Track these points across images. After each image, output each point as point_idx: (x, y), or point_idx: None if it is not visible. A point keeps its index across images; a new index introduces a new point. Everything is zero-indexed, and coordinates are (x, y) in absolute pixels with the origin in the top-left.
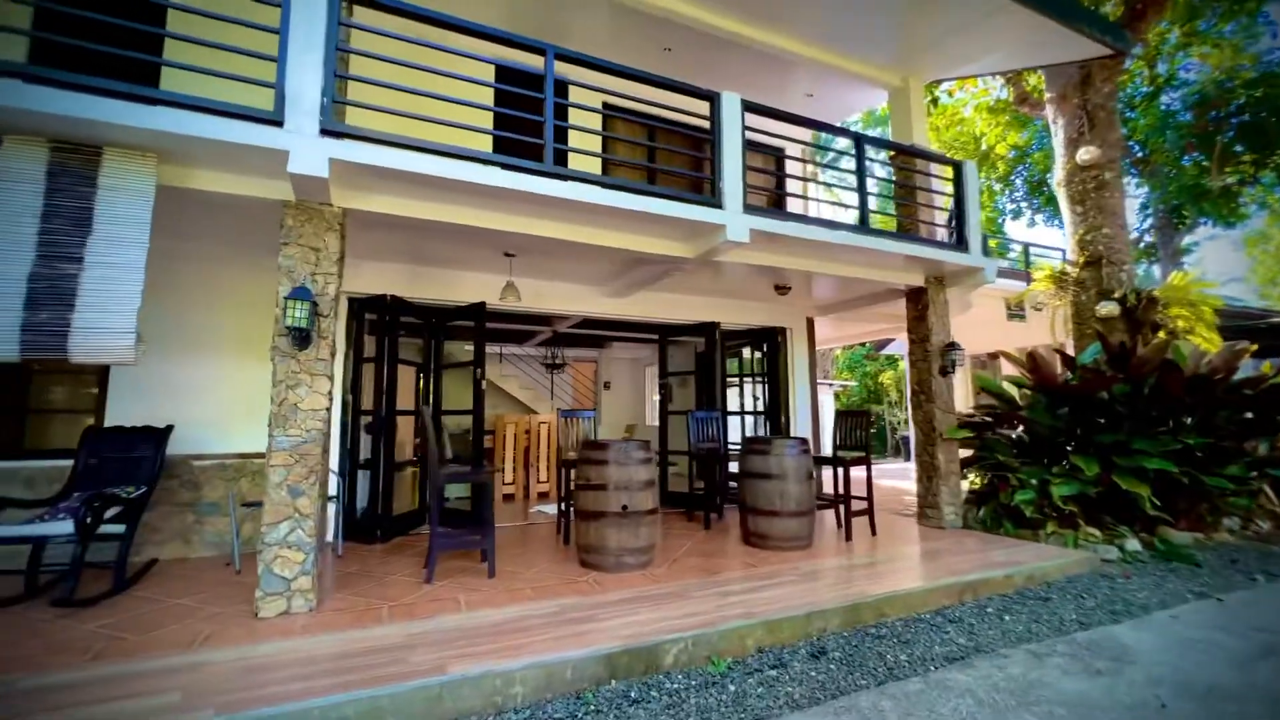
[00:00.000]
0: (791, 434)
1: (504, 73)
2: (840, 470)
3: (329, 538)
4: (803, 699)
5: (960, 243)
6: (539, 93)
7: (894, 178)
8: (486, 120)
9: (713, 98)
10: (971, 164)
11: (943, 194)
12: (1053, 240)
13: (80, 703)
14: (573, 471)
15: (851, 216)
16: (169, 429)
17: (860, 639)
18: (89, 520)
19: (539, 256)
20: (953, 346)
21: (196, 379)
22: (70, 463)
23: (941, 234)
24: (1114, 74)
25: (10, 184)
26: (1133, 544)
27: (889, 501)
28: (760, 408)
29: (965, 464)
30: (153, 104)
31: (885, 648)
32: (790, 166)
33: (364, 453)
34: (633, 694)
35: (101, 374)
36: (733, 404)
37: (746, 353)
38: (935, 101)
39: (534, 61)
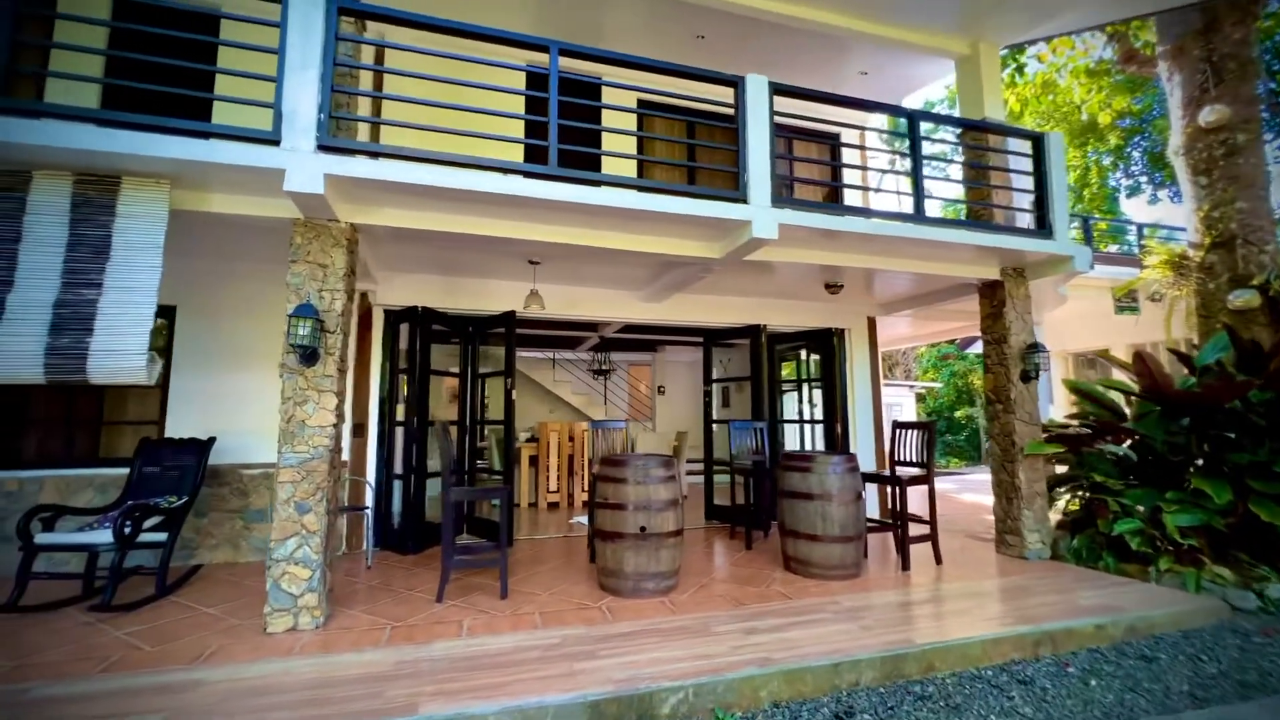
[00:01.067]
0: (851, 445)
1: (537, 79)
2: (896, 489)
3: (364, 548)
4: None
5: (1042, 228)
6: (573, 97)
7: (965, 159)
8: (516, 127)
9: (737, 82)
10: (1056, 136)
11: (1022, 173)
12: (1178, 219)
13: (70, 718)
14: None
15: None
16: (211, 441)
17: (899, 698)
18: (127, 530)
19: (565, 262)
20: (1035, 348)
21: (245, 391)
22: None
23: (1027, 220)
24: (1249, 16)
25: (40, 216)
26: (1277, 589)
27: (968, 521)
28: (819, 416)
29: (1057, 483)
30: (165, 133)
31: (927, 713)
32: (851, 154)
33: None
34: None
35: (163, 388)
36: (791, 411)
37: (803, 356)
38: (1021, 69)
39: (569, 66)
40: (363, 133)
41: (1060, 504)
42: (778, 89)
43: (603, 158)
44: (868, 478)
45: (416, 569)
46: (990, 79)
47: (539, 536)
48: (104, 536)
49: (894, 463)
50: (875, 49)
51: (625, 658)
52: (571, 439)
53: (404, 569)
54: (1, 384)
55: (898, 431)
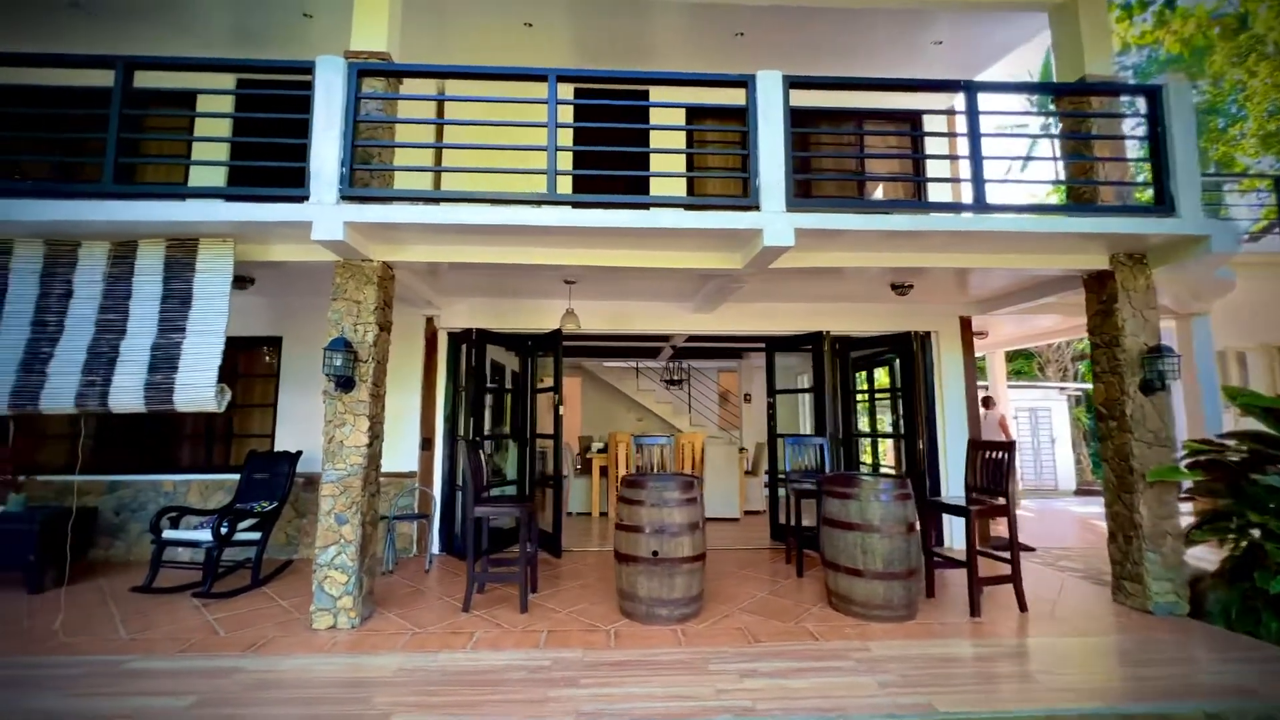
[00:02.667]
0: (940, 465)
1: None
2: (967, 521)
3: (431, 553)
4: None
5: (1162, 203)
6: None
7: (1061, 130)
8: (537, 158)
9: (746, 82)
10: (1177, 85)
11: (1137, 138)
12: None
13: (135, 692)
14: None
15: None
16: (298, 454)
17: None
18: (223, 531)
19: (606, 279)
20: (1160, 352)
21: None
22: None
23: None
24: None
25: (143, 276)
26: None
27: (1091, 556)
28: (901, 430)
29: (1204, 521)
30: (227, 199)
31: None
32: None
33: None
34: None
35: (273, 406)
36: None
37: (881, 364)
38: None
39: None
40: (409, 180)
41: (1203, 547)
42: (796, 82)
43: (632, 173)
44: (938, 506)
45: (464, 578)
46: (1094, 25)
47: (594, 549)
48: (206, 535)
49: (969, 489)
50: (948, 14)
51: (603, 689)
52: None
53: (455, 575)
54: (115, 413)
55: (975, 452)
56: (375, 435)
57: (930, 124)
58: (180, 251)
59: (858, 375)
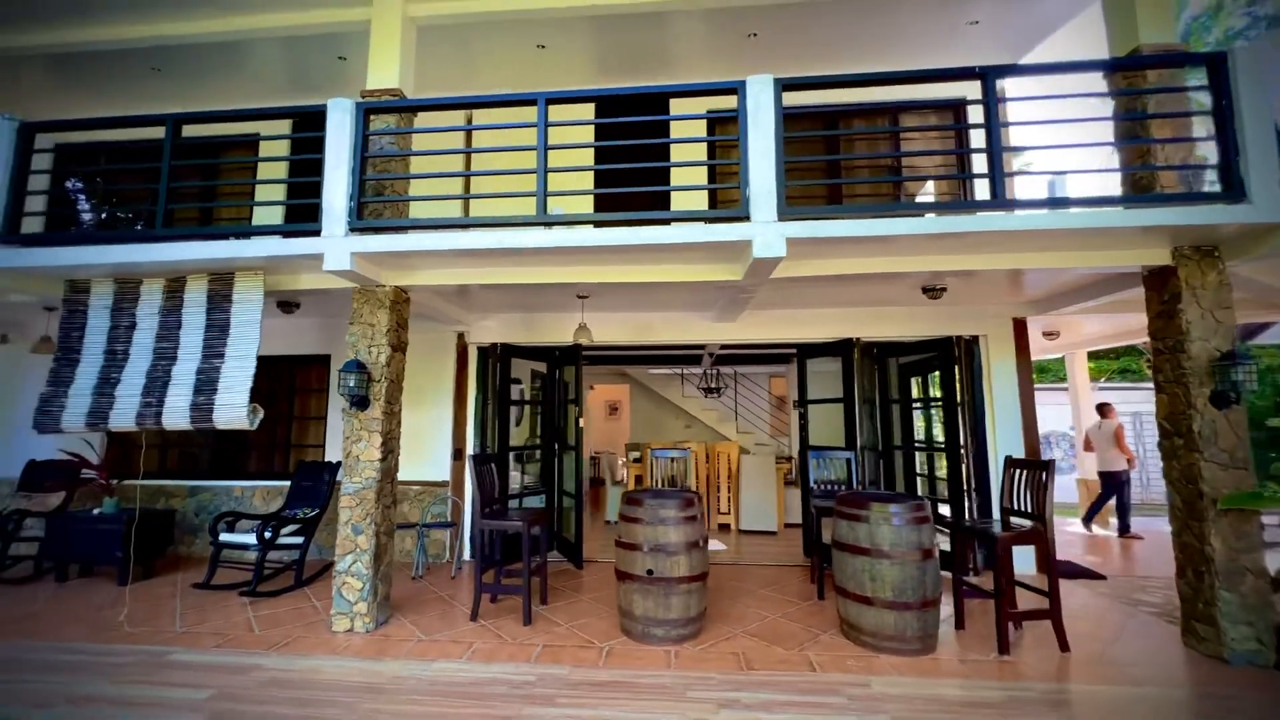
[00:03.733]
0: (991, 481)
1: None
2: (991, 546)
3: (461, 559)
4: None
5: (1230, 188)
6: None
7: (1114, 111)
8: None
9: (737, 88)
10: (1248, 51)
11: (1200, 114)
12: None
13: (167, 683)
14: None
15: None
16: (339, 463)
17: None
18: (267, 535)
19: (618, 294)
20: (1234, 359)
21: None
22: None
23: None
24: None
25: (191, 308)
26: None
27: (1168, 589)
28: (943, 442)
29: None
30: (257, 235)
31: None
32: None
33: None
34: None
35: (324, 419)
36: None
37: (924, 371)
38: None
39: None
40: (423, 208)
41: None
42: (790, 84)
43: (634, 189)
44: (960, 529)
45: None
46: None
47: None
48: (253, 539)
49: (1004, 512)
50: None
51: (577, 710)
52: (674, 459)
53: (472, 585)
54: (166, 430)
55: (1010, 470)
56: (389, 450)
57: (975, 114)
58: (220, 284)
59: (912, 382)
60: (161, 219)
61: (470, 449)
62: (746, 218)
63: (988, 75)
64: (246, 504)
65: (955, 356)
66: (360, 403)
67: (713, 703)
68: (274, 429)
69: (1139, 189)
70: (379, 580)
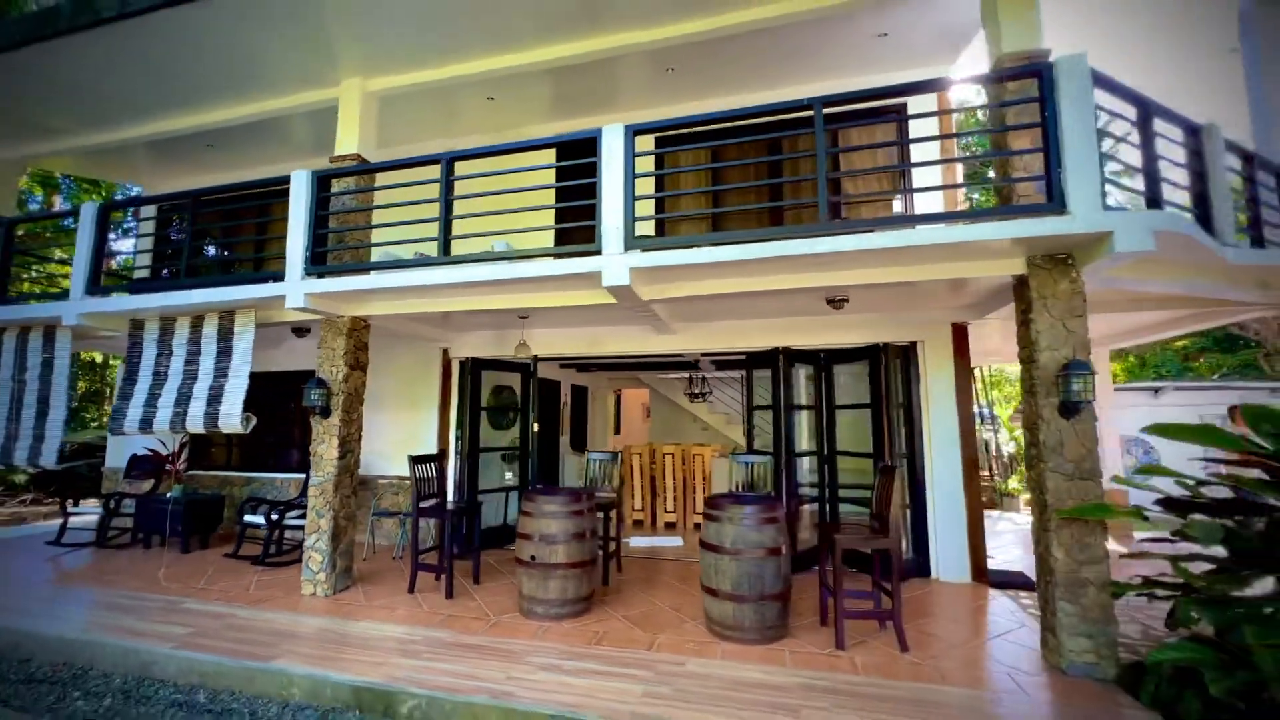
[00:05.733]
0: (927, 490)
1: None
2: (831, 546)
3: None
4: None
5: (1052, 199)
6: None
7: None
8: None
9: (594, 136)
10: (1073, 62)
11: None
12: None
13: (167, 621)
14: None
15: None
16: None
17: None
18: (274, 517)
19: (560, 314)
20: (1074, 369)
21: (382, 424)
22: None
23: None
24: None
25: (208, 339)
26: None
27: None
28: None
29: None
30: (248, 284)
31: None
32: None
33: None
34: None
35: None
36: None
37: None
38: None
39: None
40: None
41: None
42: (642, 130)
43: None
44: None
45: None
46: None
47: None
48: (261, 519)
49: (872, 516)
50: (867, 9)
51: (428, 662)
52: (653, 461)
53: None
54: (189, 432)
55: (877, 476)
56: (347, 450)
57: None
58: (226, 320)
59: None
60: (184, 272)
61: (453, 449)
62: (598, 252)
63: (816, 104)
64: (285, 492)
65: (883, 363)
66: (323, 411)
67: (537, 666)
68: (307, 431)
69: (1004, 200)
70: (338, 555)
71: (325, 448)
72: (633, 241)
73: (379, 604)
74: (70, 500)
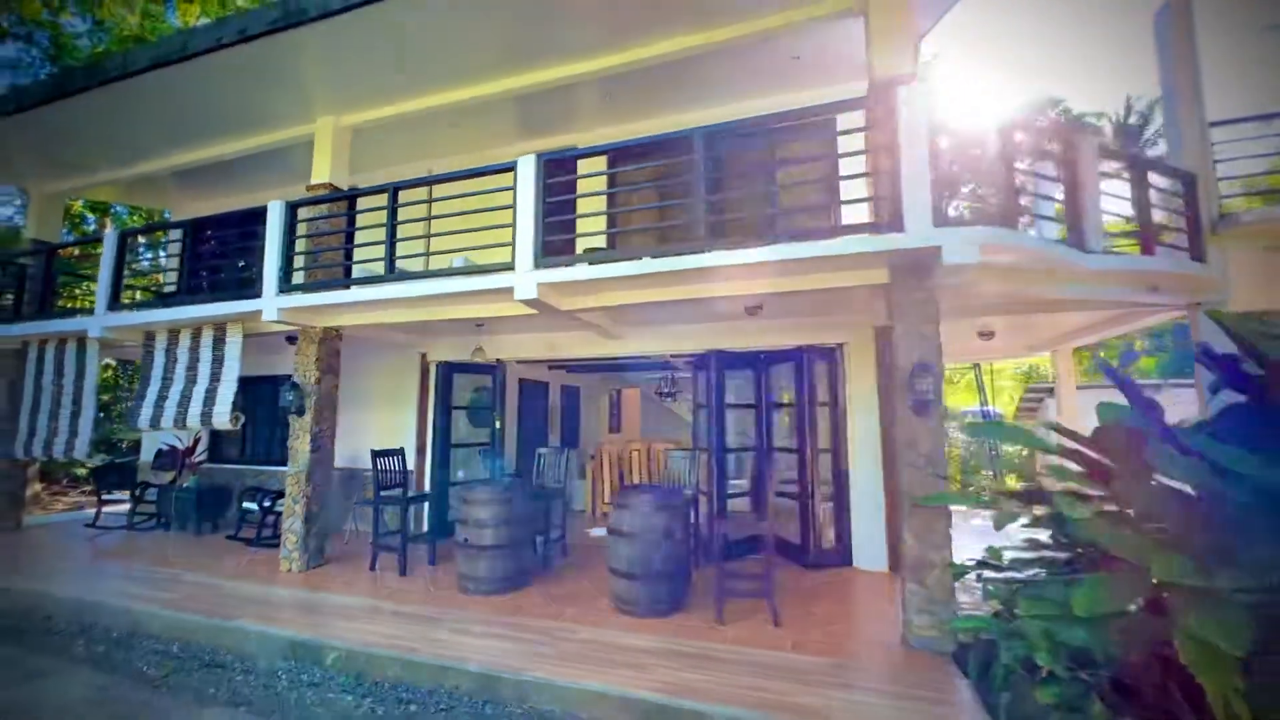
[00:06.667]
0: (851, 487)
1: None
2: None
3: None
4: None
5: (894, 217)
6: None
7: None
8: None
9: (511, 167)
10: (912, 89)
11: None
12: None
13: (166, 589)
14: None
15: None
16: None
17: (474, 708)
18: (265, 504)
19: (516, 321)
20: (919, 371)
21: (367, 422)
22: None
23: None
24: None
25: (204, 347)
26: None
27: None
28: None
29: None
30: (234, 300)
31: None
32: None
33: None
34: (287, 674)
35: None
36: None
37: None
38: None
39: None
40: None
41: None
42: (554, 158)
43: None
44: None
45: (420, 547)
46: (886, 17)
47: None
48: (254, 507)
49: (759, 501)
50: (786, 34)
51: (361, 625)
52: (621, 457)
53: (414, 548)
54: (190, 429)
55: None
56: (319, 445)
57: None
58: (219, 331)
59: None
60: (184, 290)
61: (430, 445)
62: (512, 268)
63: (693, 137)
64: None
65: (805, 365)
66: (299, 411)
67: (453, 630)
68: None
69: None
70: (310, 537)
71: (300, 442)
72: (541, 260)
73: (341, 579)
74: (107, 489)
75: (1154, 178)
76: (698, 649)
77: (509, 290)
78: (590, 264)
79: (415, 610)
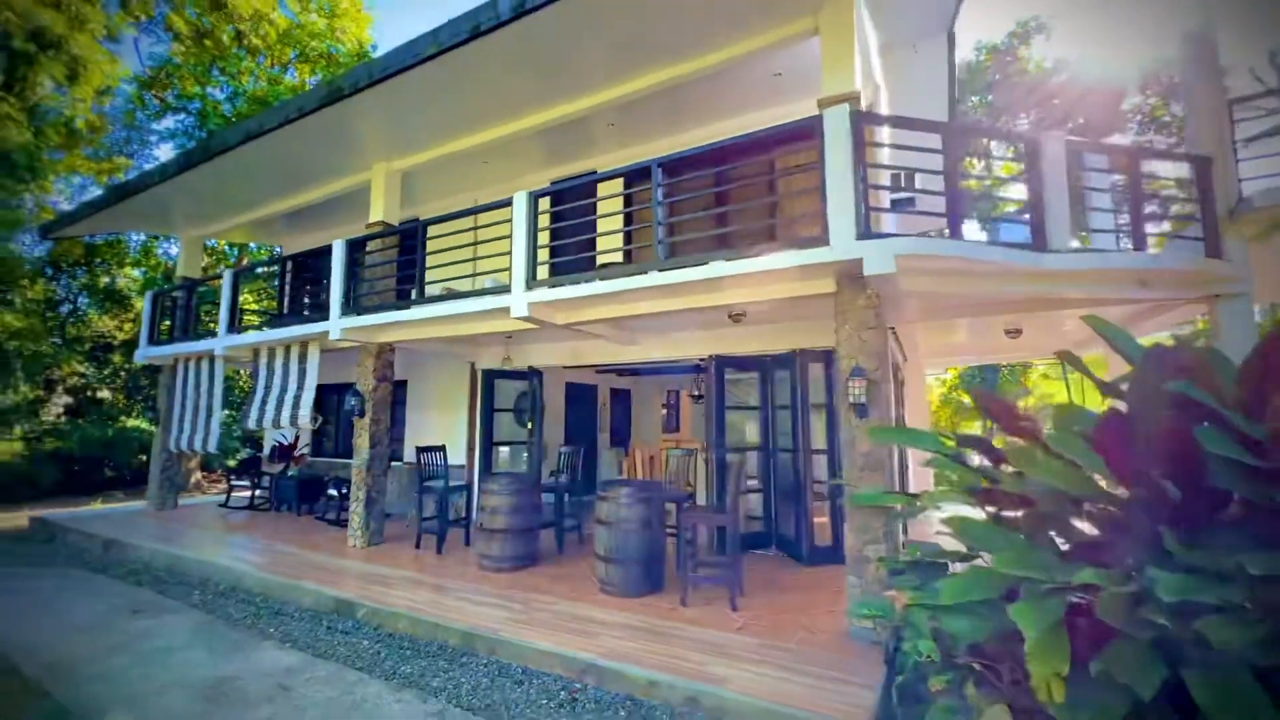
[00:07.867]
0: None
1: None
2: (680, 523)
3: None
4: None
5: (824, 233)
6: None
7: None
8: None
9: (510, 201)
10: (834, 115)
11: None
12: None
13: (260, 557)
14: None
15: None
16: (394, 449)
17: (447, 659)
18: (342, 491)
19: (546, 331)
20: (854, 374)
21: (431, 421)
22: None
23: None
24: None
25: (294, 361)
26: None
27: None
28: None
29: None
30: (308, 322)
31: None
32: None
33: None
34: (329, 623)
35: (402, 420)
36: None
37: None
38: None
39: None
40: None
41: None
42: (544, 194)
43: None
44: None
45: (458, 530)
46: (837, 39)
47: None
48: (334, 492)
49: (725, 495)
50: (763, 55)
51: (388, 590)
52: (652, 458)
53: (459, 532)
54: (281, 427)
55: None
56: (377, 442)
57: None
58: (302, 348)
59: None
60: (285, 313)
61: (479, 443)
62: (508, 290)
63: (650, 167)
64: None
65: (797, 368)
66: (359, 413)
67: (455, 597)
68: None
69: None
70: (370, 519)
71: (361, 440)
72: (532, 282)
73: (390, 555)
74: (240, 478)
75: (1160, 166)
76: (650, 625)
77: (507, 309)
78: (551, 286)
79: (436, 581)
